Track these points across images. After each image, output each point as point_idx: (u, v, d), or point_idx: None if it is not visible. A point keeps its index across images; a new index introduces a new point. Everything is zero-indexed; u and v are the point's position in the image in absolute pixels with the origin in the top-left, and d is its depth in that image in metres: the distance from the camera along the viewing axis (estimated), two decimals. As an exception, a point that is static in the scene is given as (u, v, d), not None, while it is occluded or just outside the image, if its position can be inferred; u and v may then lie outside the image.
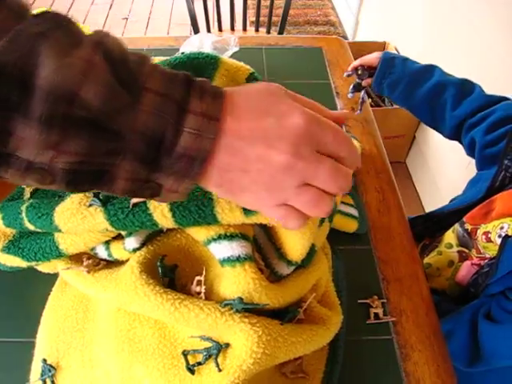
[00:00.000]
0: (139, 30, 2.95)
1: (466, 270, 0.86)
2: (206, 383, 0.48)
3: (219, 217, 0.49)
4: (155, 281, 0.51)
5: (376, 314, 0.68)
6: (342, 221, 0.76)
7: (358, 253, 0.77)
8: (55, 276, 0.64)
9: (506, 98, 0.88)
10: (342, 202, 0.78)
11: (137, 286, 0.50)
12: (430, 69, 0.94)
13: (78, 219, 0.50)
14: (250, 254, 0.51)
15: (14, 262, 0.58)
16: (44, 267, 0.63)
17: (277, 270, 0.55)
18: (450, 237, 0.90)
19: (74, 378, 0.55)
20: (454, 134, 0.94)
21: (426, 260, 0.90)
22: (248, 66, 0.71)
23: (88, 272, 0.55)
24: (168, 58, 0.70)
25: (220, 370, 0.47)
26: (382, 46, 2.16)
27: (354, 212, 0.78)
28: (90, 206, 0.51)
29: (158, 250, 0.55)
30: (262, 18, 1.93)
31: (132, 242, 0.54)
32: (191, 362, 0.50)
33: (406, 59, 0.96)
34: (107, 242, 0.57)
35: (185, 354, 0.50)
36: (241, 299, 0.48)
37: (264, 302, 0.49)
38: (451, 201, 0.98)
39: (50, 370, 0.55)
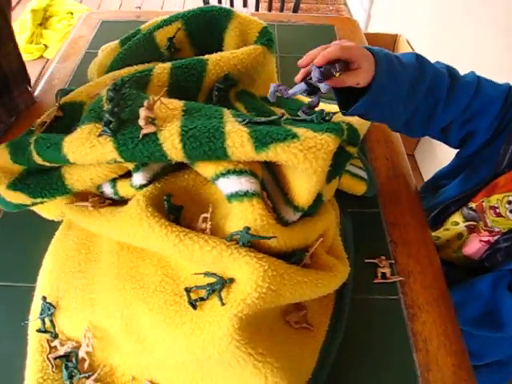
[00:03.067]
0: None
1: (475, 246, 0.85)
2: (208, 317, 0.47)
3: (229, 151, 0.48)
4: (160, 214, 0.50)
5: (383, 274, 0.67)
6: (351, 182, 0.74)
7: (367, 216, 0.76)
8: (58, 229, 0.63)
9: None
10: (351, 164, 0.76)
11: (142, 217, 0.50)
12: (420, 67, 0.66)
13: (87, 148, 0.50)
14: (259, 191, 0.50)
15: (19, 198, 0.57)
16: (48, 211, 0.63)
17: (283, 216, 0.54)
18: (455, 216, 0.88)
19: (73, 317, 0.54)
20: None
21: (434, 233, 0.88)
22: (261, 21, 0.71)
23: (93, 207, 0.54)
24: (180, 11, 0.70)
25: (223, 304, 0.46)
26: (393, 38, 2.15)
27: (363, 174, 0.77)
28: (100, 135, 0.50)
29: (165, 188, 0.54)
30: (274, 5, 1.92)
31: (139, 178, 0.53)
32: (193, 298, 0.49)
33: (393, 63, 0.62)
34: (113, 180, 0.56)
35: (187, 290, 0.49)
36: (248, 229, 0.47)
37: (271, 234, 0.48)
38: (438, 183, 0.92)
39: (49, 308, 0.54)
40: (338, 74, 0.55)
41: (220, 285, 0.48)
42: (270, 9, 1.77)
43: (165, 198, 0.51)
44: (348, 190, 0.76)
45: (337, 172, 0.58)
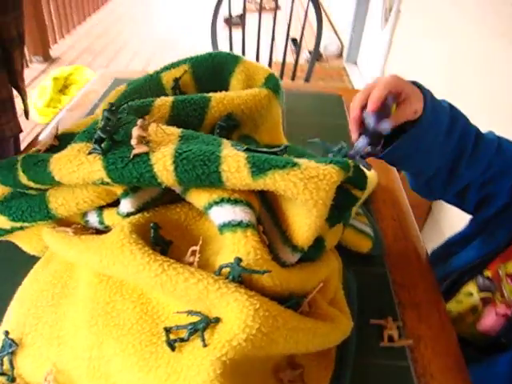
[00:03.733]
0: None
1: (491, 320, 0.77)
2: (187, 361, 0.40)
3: (224, 176, 0.45)
4: (144, 242, 0.46)
5: (390, 337, 0.60)
6: (356, 237, 0.70)
7: (372, 275, 0.70)
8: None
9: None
10: (357, 220, 0.73)
11: (124, 243, 0.45)
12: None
13: (74, 166, 0.47)
14: (254, 223, 0.46)
15: (-1, 221, 0.53)
16: (30, 243, 0.58)
17: (281, 256, 0.49)
18: (468, 286, 0.82)
19: (37, 357, 0.47)
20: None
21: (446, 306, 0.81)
22: (267, 68, 0.72)
23: (74, 233, 0.50)
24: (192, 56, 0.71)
25: (205, 346, 0.40)
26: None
27: (369, 231, 0.72)
28: (90, 153, 0.47)
29: (154, 219, 0.50)
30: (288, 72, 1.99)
31: (127, 205, 0.50)
32: (173, 338, 0.42)
33: (434, 97, 0.61)
34: (100, 209, 0.53)
35: (167, 329, 0.43)
36: (239, 260, 0.42)
37: (265, 269, 0.43)
38: (449, 251, 0.87)
39: (11, 345, 0.48)
40: (394, 106, 0.52)
41: (204, 324, 0.42)
42: (281, 76, 1.85)
43: (151, 225, 0.47)
44: (353, 246, 0.71)
45: (341, 216, 0.54)
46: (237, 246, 0.44)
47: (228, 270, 0.43)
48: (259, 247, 0.44)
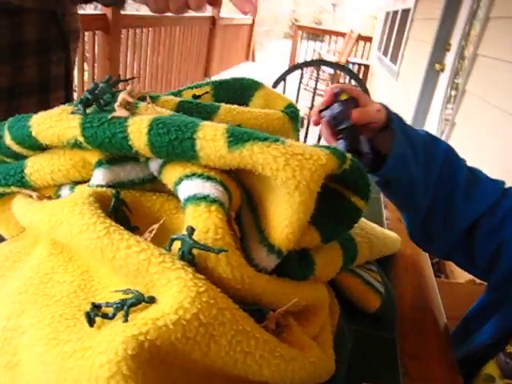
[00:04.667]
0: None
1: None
2: (100, 337, 0.32)
3: (198, 143, 0.40)
4: (102, 210, 0.40)
5: (386, 408, 0.47)
6: (363, 291, 0.59)
7: (376, 339, 0.58)
8: None
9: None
10: (366, 272, 0.63)
11: (77, 203, 0.40)
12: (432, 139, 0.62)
13: (53, 121, 0.44)
14: (223, 201, 0.39)
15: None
16: (7, 226, 0.54)
17: (254, 257, 0.41)
18: (489, 367, 0.66)
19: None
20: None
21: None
22: (288, 98, 0.70)
23: (38, 199, 0.46)
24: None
25: (126, 321, 0.32)
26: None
27: (379, 287, 0.62)
28: (73, 114, 0.45)
29: (124, 197, 0.45)
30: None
31: (99, 176, 0.45)
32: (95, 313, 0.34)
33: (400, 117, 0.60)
34: (74, 184, 0.49)
35: (95, 305, 0.35)
36: (192, 231, 0.35)
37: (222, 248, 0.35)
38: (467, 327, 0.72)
39: None
40: (344, 95, 0.56)
41: (134, 300, 0.33)
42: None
43: (113, 192, 0.42)
44: (358, 301, 0.60)
45: (337, 231, 0.46)
46: (196, 221, 0.37)
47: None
48: (222, 226, 0.37)
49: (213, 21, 5.00)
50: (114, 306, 0.34)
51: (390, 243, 0.71)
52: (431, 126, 3.04)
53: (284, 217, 0.39)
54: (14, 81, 0.74)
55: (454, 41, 2.95)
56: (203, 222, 0.37)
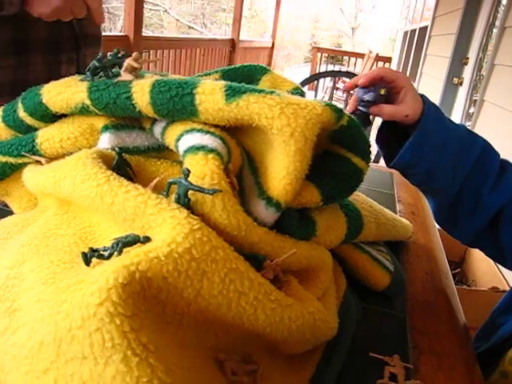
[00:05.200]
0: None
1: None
2: (94, 271, 0.32)
3: (197, 98, 0.41)
4: (105, 166, 0.41)
5: (393, 376, 0.45)
6: (372, 268, 0.58)
7: (385, 316, 0.57)
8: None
9: None
10: (375, 249, 0.62)
11: (81, 157, 0.41)
12: (469, 133, 0.61)
13: (62, 87, 0.47)
14: (221, 152, 0.40)
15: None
16: (20, 200, 0.56)
17: (252, 211, 0.41)
18: (505, 363, 0.63)
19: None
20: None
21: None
22: (295, 82, 0.71)
23: (47, 162, 0.48)
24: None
25: (120, 254, 0.33)
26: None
27: (389, 265, 0.60)
28: (82, 81, 0.47)
29: (129, 161, 0.46)
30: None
31: (105, 140, 0.47)
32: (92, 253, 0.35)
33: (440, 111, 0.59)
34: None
35: (93, 249, 0.36)
36: (187, 173, 0.36)
37: (216, 188, 0.35)
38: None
39: None
40: (383, 91, 0.54)
41: (129, 239, 0.34)
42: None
43: (116, 150, 0.43)
44: (366, 278, 0.59)
45: (339, 190, 0.46)
46: (193, 168, 0.38)
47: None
48: (219, 173, 0.37)
49: (232, 43, 5.12)
50: (110, 246, 0.34)
51: (400, 227, 0.70)
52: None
53: (281, 168, 0.40)
54: (19, 76, 0.76)
55: (472, 54, 2.94)
56: (200, 169, 0.37)
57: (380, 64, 6.86)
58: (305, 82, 1.91)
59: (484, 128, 2.31)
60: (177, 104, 0.42)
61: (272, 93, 0.40)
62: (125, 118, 0.49)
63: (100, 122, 0.48)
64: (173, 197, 0.37)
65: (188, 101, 0.42)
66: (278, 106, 0.39)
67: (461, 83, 3.07)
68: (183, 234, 0.32)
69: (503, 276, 1.68)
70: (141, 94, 0.43)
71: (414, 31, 5.24)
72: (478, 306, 1.49)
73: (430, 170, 0.57)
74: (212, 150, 0.39)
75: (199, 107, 0.41)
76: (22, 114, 0.51)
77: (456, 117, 3.05)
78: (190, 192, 0.37)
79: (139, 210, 0.36)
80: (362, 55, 7.34)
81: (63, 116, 0.51)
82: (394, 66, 6.72)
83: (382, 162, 1.01)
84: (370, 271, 0.58)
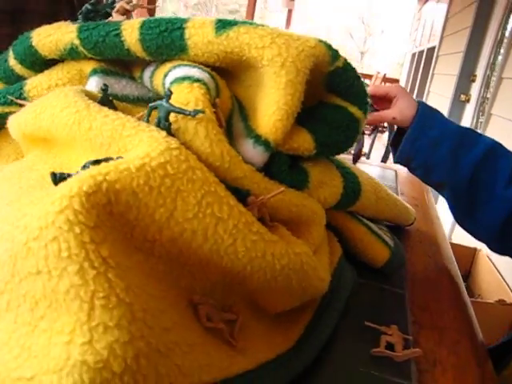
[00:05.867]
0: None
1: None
2: (60, 185, 0.29)
3: (187, 32, 0.39)
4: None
5: (390, 344, 0.41)
6: (369, 239, 0.55)
7: (384, 291, 0.53)
8: None
9: None
10: (374, 224, 0.58)
11: (64, 90, 0.39)
12: (475, 133, 0.62)
13: (52, 29, 0.45)
14: (207, 82, 0.37)
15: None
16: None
17: (241, 151, 0.38)
18: None
19: None
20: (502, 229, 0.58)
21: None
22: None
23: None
24: None
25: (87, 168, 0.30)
26: (472, 251, 1.99)
27: (389, 240, 0.57)
28: (73, 23, 0.45)
29: (116, 106, 0.44)
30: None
31: (92, 83, 0.45)
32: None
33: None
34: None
35: (59, 175, 0.33)
36: (169, 94, 0.33)
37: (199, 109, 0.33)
38: None
39: None
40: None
41: (101, 159, 0.31)
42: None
43: (101, 86, 0.41)
44: (363, 252, 0.55)
45: (334, 138, 0.42)
46: (177, 96, 0.35)
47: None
48: (204, 100, 0.35)
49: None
50: (81, 168, 0.32)
51: (401, 207, 0.66)
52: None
53: (271, 103, 0.37)
54: None
55: (480, 71, 2.93)
56: (184, 96, 0.35)
57: (387, 84, 6.91)
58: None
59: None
60: (166, 39, 0.40)
61: (263, 25, 0.38)
62: (115, 65, 0.47)
63: (89, 67, 0.46)
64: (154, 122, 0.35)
65: (177, 35, 0.39)
66: (268, 36, 0.36)
67: (468, 100, 3.05)
68: (159, 150, 0.30)
69: (510, 289, 1.62)
70: (130, 30, 0.41)
71: (421, 52, 5.28)
72: (485, 319, 1.44)
73: (427, 163, 0.59)
74: (198, 80, 0.36)
75: (188, 41, 0.39)
76: (12, 62, 0.49)
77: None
78: (173, 120, 0.34)
79: (116, 133, 0.33)
80: (370, 76, 7.40)
81: (54, 65, 0.50)
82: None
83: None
84: (367, 244, 0.55)
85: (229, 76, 0.43)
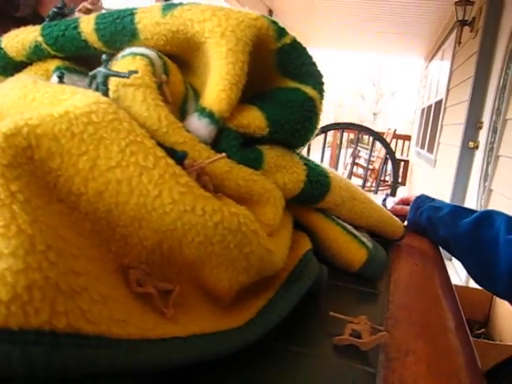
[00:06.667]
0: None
1: None
2: None
3: (137, 17, 0.41)
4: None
5: (356, 332, 0.38)
6: (345, 239, 0.52)
7: (360, 292, 0.49)
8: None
9: None
10: (352, 226, 0.56)
11: (20, 76, 0.40)
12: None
13: (19, 32, 0.47)
14: (153, 59, 0.37)
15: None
16: None
17: (187, 127, 0.38)
18: None
19: None
20: None
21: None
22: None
23: None
24: None
25: None
26: (490, 296, 1.88)
27: (367, 242, 0.54)
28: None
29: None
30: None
31: (55, 80, 0.46)
32: None
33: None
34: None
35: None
36: (108, 59, 0.33)
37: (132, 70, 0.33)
38: None
39: None
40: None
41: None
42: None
43: (58, 74, 0.41)
44: (338, 253, 0.52)
45: (287, 117, 0.41)
46: (119, 67, 0.36)
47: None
48: (144, 70, 0.35)
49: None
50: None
51: (386, 216, 0.63)
52: (471, 201, 2.91)
53: (215, 75, 0.37)
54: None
55: (486, 117, 2.95)
56: (125, 67, 0.35)
57: (400, 141, 7.02)
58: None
59: (502, 183, 2.24)
60: (118, 25, 0.41)
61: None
62: (80, 65, 0.49)
63: (54, 66, 0.48)
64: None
65: (128, 20, 0.41)
66: (209, 9, 0.37)
67: (477, 147, 3.04)
68: (86, 102, 0.30)
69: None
70: (86, 22, 0.43)
71: (430, 106, 5.38)
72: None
73: (429, 218, 0.72)
74: (142, 54, 0.37)
75: (138, 25, 0.40)
76: None
77: (474, 179, 2.99)
78: (114, 89, 0.35)
79: (55, 99, 0.33)
80: (382, 133, 7.57)
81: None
82: (413, 142, 6.82)
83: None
84: (343, 244, 0.52)
85: (184, 67, 0.44)
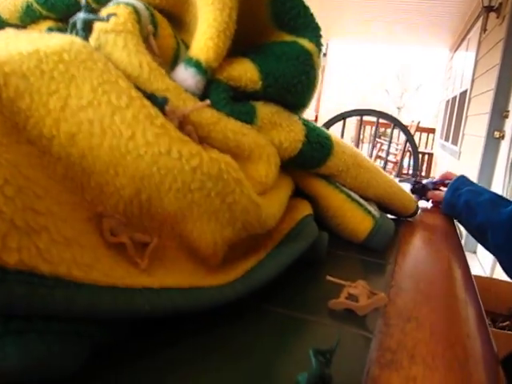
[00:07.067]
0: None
1: None
2: None
3: None
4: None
5: (352, 296, 0.35)
6: (350, 207, 0.49)
7: (365, 263, 0.47)
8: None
9: None
10: (357, 194, 0.53)
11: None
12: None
13: None
14: (139, 9, 0.35)
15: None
16: None
17: (174, 78, 0.36)
18: None
19: None
20: None
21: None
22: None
23: None
24: None
25: None
26: (514, 288, 1.80)
27: (373, 210, 0.51)
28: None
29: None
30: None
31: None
32: None
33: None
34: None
35: None
36: (86, 3, 0.32)
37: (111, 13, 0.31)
38: None
39: None
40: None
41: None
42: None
43: (46, 31, 0.40)
44: (342, 222, 0.50)
45: (281, 70, 0.38)
46: (102, 14, 0.34)
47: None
48: (127, 17, 0.33)
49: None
50: None
51: (396, 188, 0.59)
52: (496, 192, 2.81)
53: (203, 23, 0.35)
54: None
55: (512, 106, 2.84)
56: (107, 11, 0.33)
57: (424, 134, 6.87)
58: (329, 123, 1.88)
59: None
60: None
61: None
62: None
63: (45, 27, 0.47)
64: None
65: None
66: None
67: (502, 136, 2.94)
68: (60, 42, 0.28)
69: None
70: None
71: (454, 98, 5.23)
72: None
73: (468, 202, 0.68)
74: (127, 4, 0.35)
75: None
76: None
77: (499, 169, 2.88)
78: (95, 37, 0.33)
79: (33, 43, 0.31)
80: (406, 126, 7.42)
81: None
82: (437, 135, 6.66)
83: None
84: (347, 212, 0.49)
85: (177, 25, 0.42)
